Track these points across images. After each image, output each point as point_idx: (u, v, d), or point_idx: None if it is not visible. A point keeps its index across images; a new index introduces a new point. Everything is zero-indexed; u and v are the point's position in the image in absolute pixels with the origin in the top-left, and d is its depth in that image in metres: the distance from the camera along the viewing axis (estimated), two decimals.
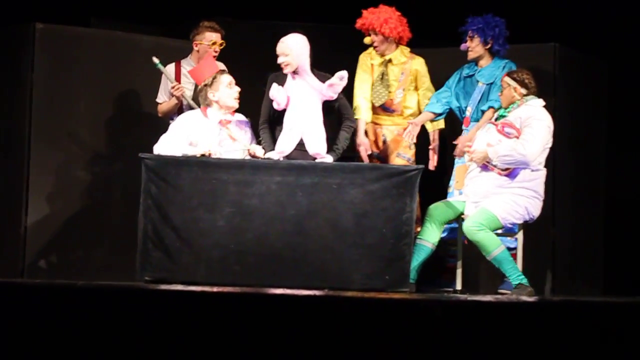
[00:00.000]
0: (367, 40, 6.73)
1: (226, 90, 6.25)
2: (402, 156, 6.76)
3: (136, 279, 5.86)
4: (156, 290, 4.96)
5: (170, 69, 6.67)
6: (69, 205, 7.14)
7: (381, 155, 6.79)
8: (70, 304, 4.33)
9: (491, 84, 6.62)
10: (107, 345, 4.21)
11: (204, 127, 6.21)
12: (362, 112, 6.72)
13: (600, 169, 7.62)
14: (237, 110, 6.37)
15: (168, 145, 6.11)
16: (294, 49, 6.17)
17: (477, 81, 6.69)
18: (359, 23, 6.70)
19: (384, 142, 6.81)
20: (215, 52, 6.63)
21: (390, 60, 6.74)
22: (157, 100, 6.73)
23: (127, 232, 6.48)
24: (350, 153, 6.66)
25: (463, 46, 6.69)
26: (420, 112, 6.79)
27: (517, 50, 7.16)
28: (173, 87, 6.55)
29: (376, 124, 6.82)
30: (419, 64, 6.79)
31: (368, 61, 6.80)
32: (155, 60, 6.54)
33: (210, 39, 6.62)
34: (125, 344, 4.22)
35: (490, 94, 6.61)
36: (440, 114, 6.75)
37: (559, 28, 7.51)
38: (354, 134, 6.51)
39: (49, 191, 7.08)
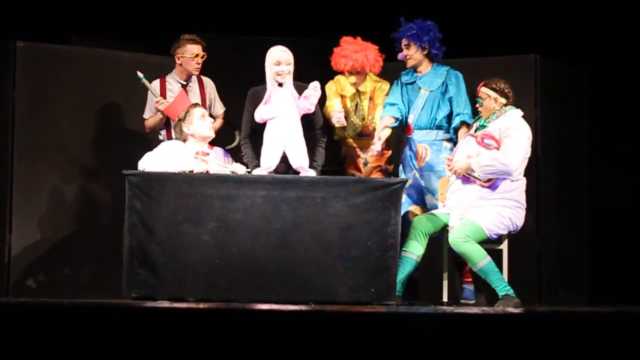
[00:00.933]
0: (353, 79, 6.65)
1: (200, 122, 6.28)
2: (383, 170, 6.75)
3: (123, 296, 5.84)
4: (142, 307, 4.94)
5: (155, 84, 6.67)
6: (53, 222, 7.11)
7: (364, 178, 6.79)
8: (56, 322, 4.31)
9: (433, 91, 6.63)
10: None
11: (185, 156, 6.21)
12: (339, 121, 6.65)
13: (584, 179, 7.65)
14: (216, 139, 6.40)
15: (155, 162, 6.10)
16: (293, 59, 6.22)
17: (419, 88, 6.69)
18: (348, 65, 6.54)
19: (365, 164, 6.79)
20: (198, 64, 6.65)
21: (363, 92, 6.74)
22: (144, 116, 6.73)
23: (112, 249, 6.46)
24: (335, 167, 6.69)
25: (400, 55, 6.66)
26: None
27: (498, 62, 7.21)
28: (158, 102, 6.56)
29: (356, 147, 6.81)
30: (379, 87, 6.71)
31: (337, 89, 6.74)
32: (140, 74, 6.56)
33: (192, 52, 6.63)
34: None
35: (440, 104, 6.59)
36: (398, 119, 6.71)
37: (539, 39, 7.55)
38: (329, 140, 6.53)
39: (33, 209, 7.04)
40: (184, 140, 6.30)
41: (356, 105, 6.71)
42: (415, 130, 6.66)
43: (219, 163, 6.26)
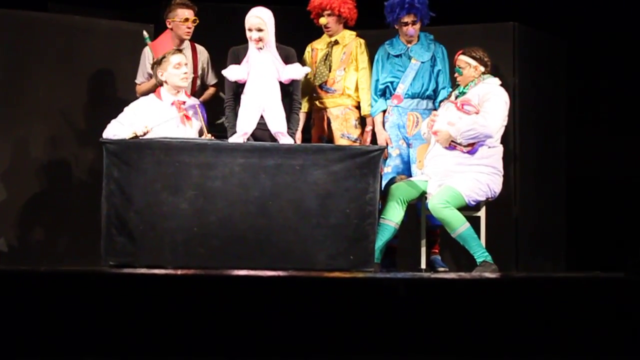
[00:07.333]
0: (323, 20, 6.71)
1: (173, 70, 6.21)
2: (347, 136, 6.74)
3: (101, 264, 5.84)
4: (119, 274, 4.93)
5: (147, 48, 6.60)
6: (30, 192, 7.07)
7: (329, 138, 6.78)
8: (34, 289, 4.30)
9: (424, 62, 6.63)
10: (71, 331, 4.19)
11: (158, 110, 6.18)
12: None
13: (561, 147, 7.68)
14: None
15: (113, 131, 6.12)
16: (268, 23, 6.15)
17: (410, 58, 6.68)
18: (316, 2, 6.68)
19: (329, 125, 6.79)
20: (189, 28, 6.56)
21: (336, 42, 6.74)
22: (136, 80, 6.67)
23: (91, 217, 6.46)
24: (306, 135, 6.70)
25: (411, 31, 6.63)
26: (357, 92, 6.76)
27: (476, 29, 7.20)
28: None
29: (321, 108, 6.81)
30: (359, 44, 6.75)
31: (308, 54, 6.80)
32: (145, 34, 6.49)
33: (182, 16, 6.55)
34: (88, 330, 4.19)
35: (431, 76, 6.61)
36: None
37: (517, 7, 7.54)
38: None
39: (9, 178, 7.01)
40: (161, 85, 6.24)
41: (326, 55, 6.70)
42: (406, 98, 6.65)
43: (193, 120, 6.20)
